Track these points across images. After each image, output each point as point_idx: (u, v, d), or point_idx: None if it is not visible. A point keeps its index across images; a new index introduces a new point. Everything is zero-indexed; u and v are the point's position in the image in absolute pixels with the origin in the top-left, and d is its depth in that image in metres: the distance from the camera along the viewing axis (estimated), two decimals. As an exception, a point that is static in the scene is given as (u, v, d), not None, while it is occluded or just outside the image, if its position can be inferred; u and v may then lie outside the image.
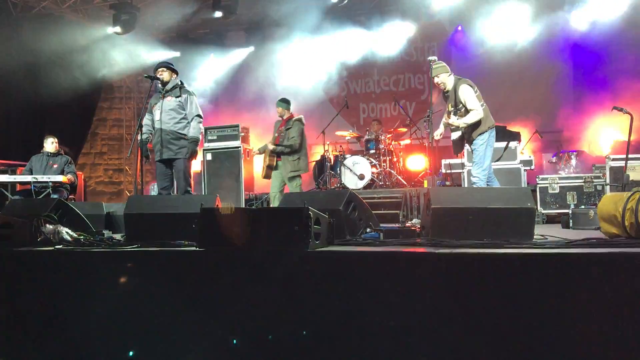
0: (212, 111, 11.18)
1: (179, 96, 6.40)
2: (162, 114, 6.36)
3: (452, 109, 6.21)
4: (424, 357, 2.92)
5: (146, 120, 6.50)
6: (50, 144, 8.22)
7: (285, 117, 7.88)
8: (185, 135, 6.39)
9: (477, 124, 6.08)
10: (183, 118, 6.41)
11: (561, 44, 10.81)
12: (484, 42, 11.37)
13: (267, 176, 7.87)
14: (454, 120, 6.16)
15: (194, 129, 6.41)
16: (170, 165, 6.42)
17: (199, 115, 6.46)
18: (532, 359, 2.75)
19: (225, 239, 3.51)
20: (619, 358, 2.62)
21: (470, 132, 6.16)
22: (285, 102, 7.96)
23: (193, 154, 6.49)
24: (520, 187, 7.09)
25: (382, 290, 3.08)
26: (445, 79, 6.24)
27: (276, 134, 7.84)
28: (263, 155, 7.96)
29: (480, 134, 6.07)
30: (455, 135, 6.33)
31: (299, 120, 7.82)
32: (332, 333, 3.11)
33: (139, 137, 6.27)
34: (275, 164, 7.69)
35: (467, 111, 6.06)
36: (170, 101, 6.38)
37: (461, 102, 6.09)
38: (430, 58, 6.47)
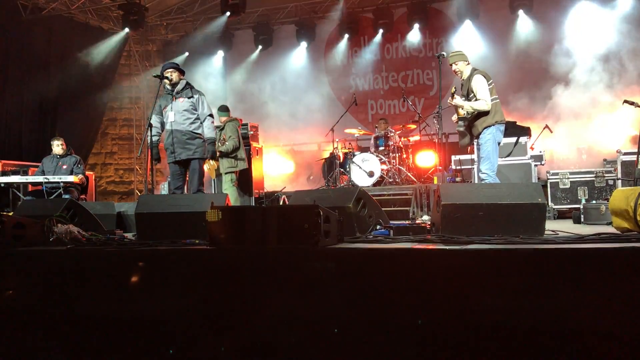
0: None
1: (191, 97, 6.40)
2: (176, 115, 6.34)
3: (462, 97, 6.13)
4: (434, 353, 2.92)
5: (155, 123, 6.50)
6: (57, 146, 8.26)
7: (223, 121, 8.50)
8: (200, 134, 6.41)
9: (484, 115, 6.01)
10: (197, 118, 6.42)
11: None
12: (493, 36, 11.33)
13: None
14: (458, 100, 6.08)
15: (208, 129, 6.42)
16: (186, 165, 6.43)
17: (211, 115, 6.48)
18: (544, 355, 2.74)
19: (235, 237, 3.52)
20: (632, 353, 2.61)
21: (476, 124, 6.08)
22: (220, 110, 8.51)
23: (213, 155, 6.54)
24: (530, 183, 7.06)
25: (392, 288, 3.07)
26: (462, 67, 6.18)
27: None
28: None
29: (486, 127, 5.99)
30: (461, 126, 6.26)
31: (230, 121, 8.46)
32: (342, 330, 3.12)
33: (148, 137, 6.28)
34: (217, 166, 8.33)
35: (476, 101, 6.00)
36: (182, 102, 6.37)
37: (472, 92, 6.02)
38: (438, 54, 6.46)
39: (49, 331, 3.69)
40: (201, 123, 6.43)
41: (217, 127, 8.14)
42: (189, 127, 6.36)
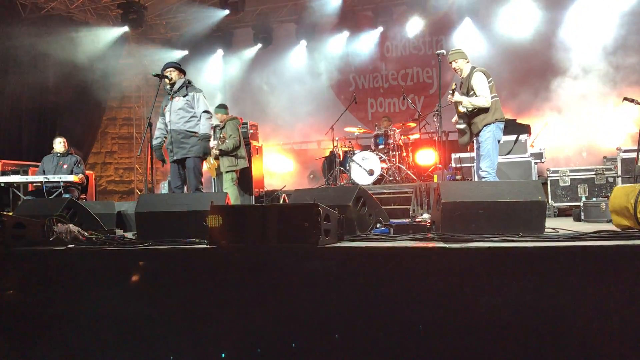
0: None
1: (186, 95, 6.38)
2: (172, 114, 6.35)
3: (462, 95, 6.13)
4: (432, 351, 2.92)
5: (159, 124, 6.50)
6: (59, 144, 8.27)
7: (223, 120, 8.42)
8: (196, 132, 6.37)
9: (483, 113, 6.00)
10: (193, 116, 6.38)
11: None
12: (492, 34, 11.31)
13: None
14: (457, 96, 6.08)
15: (203, 126, 6.38)
16: (183, 164, 6.41)
17: (207, 112, 6.42)
18: (543, 352, 2.74)
19: (236, 236, 3.52)
20: (631, 351, 2.61)
21: (476, 121, 6.08)
22: (218, 107, 8.41)
23: (205, 152, 6.49)
24: (530, 180, 7.05)
25: (392, 286, 3.07)
26: (462, 64, 6.18)
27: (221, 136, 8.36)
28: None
29: (486, 125, 5.99)
30: (461, 124, 6.26)
31: (231, 119, 8.37)
32: (343, 328, 3.12)
33: (148, 136, 6.27)
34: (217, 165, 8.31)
35: (476, 97, 5.99)
36: (178, 101, 6.36)
37: (472, 89, 6.02)
38: (438, 52, 6.45)
39: (49, 331, 3.69)
40: (198, 121, 6.40)
41: (217, 125, 8.17)
42: (184, 126, 6.34)
